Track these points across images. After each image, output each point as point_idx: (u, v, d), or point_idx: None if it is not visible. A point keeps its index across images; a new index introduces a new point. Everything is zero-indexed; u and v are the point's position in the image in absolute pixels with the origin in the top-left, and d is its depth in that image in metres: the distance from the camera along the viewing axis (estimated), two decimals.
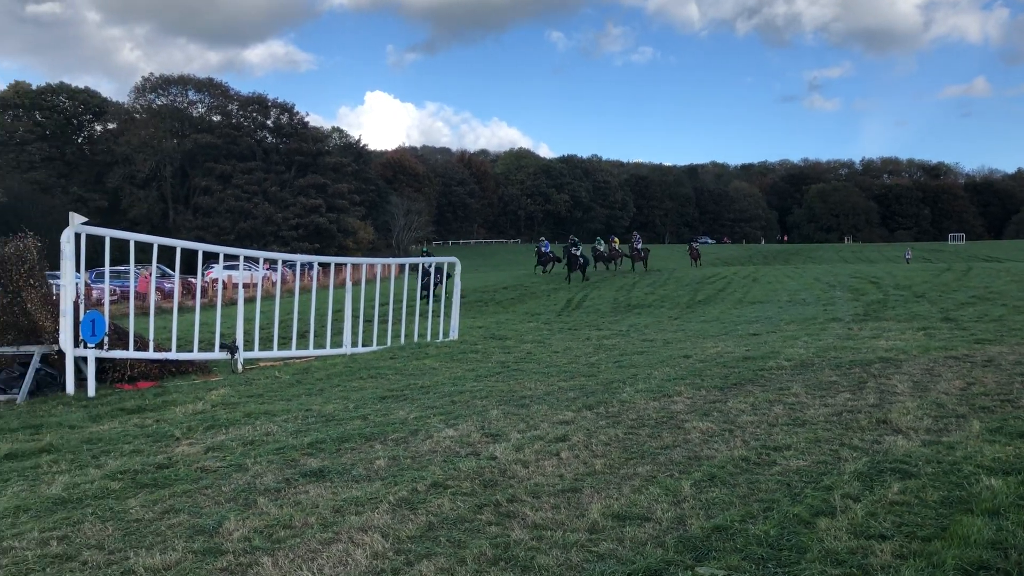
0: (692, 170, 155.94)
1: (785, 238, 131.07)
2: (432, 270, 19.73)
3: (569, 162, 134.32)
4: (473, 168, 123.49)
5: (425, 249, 26.01)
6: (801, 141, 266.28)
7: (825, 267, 36.79)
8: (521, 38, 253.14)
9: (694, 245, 47.34)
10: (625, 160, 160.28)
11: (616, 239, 42.60)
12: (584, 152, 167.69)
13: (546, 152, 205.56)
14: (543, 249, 39.70)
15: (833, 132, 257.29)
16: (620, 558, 3.90)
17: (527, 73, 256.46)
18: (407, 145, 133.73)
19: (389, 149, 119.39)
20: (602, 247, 41.96)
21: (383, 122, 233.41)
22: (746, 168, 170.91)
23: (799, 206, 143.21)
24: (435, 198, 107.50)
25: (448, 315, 14.82)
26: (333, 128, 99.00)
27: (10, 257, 10.06)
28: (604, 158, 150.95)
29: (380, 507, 4.74)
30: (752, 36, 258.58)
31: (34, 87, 79.20)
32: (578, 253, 33.86)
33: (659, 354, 11.53)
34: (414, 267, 19.30)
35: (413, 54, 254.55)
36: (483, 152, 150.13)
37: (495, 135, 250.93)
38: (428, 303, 16.07)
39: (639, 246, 39.90)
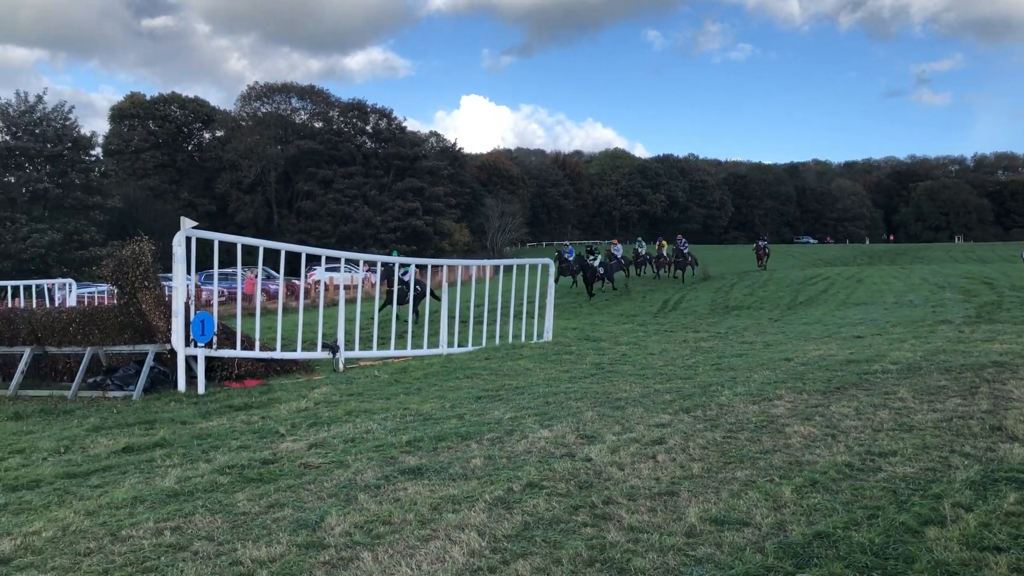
0: (793, 168, 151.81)
1: (891, 237, 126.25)
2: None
3: (665, 162, 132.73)
4: (567, 169, 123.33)
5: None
6: (908, 137, 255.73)
7: (934, 267, 35.32)
8: (617, 38, 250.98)
9: (761, 244, 42.56)
10: (723, 159, 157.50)
11: (664, 241, 37.54)
12: (681, 151, 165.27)
13: (641, 152, 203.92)
14: (566, 256, 31.85)
15: (942, 127, 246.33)
16: (718, 563, 3.84)
17: (623, 73, 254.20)
18: (502, 147, 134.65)
19: (484, 152, 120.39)
20: (643, 249, 37.75)
21: (478, 125, 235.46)
22: (849, 166, 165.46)
23: (906, 204, 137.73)
24: (529, 200, 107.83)
25: (542, 316, 14.86)
26: (430, 132, 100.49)
27: (127, 260, 10.56)
28: (701, 157, 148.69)
29: (476, 506, 4.79)
30: (856, 30, 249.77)
31: (148, 98, 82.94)
32: (596, 263, 29.22)
33: (759, 357, 11.29)
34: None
35: (509, 57, 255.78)
36: (577, 153, 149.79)
37: (589, 136, 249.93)
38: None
39: (685, 250, 34.60)
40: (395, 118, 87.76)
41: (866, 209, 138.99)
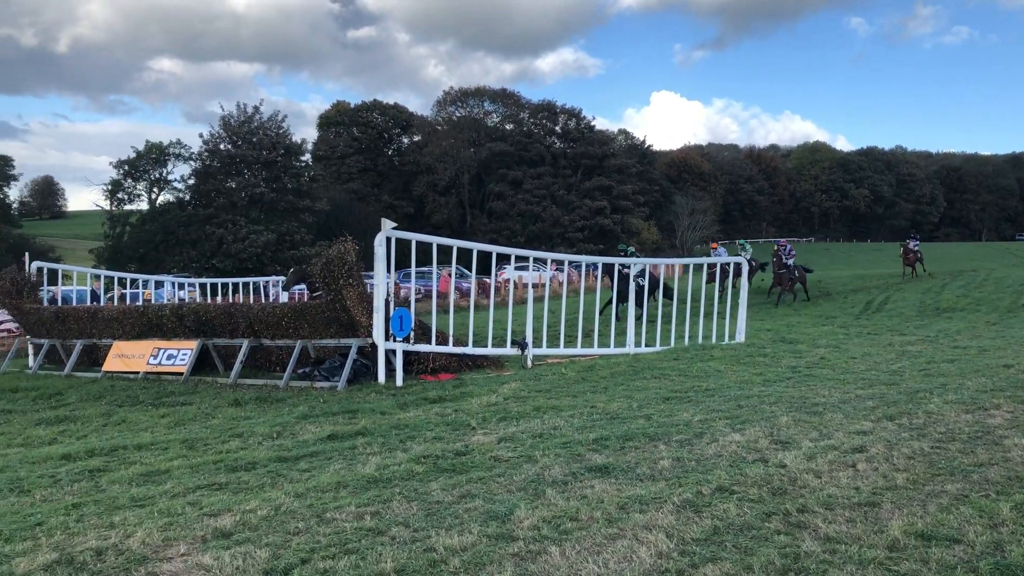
0: (1015, 159, 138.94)
1: None
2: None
3: (869, 154, 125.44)
4: (762, 164, 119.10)
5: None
6: None
7: None
8: (816, 27, 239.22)
9: (910, 245, 30.47)
10: (934, 151, 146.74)
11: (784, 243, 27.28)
12: (886, 143, 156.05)
13: (843, 145, 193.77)
14: (745, 257, 22.22)
15: None
16: None
17: (822, 63, 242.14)
18: (693, 143, 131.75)
19: (674, 148, 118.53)
20: (747, 253, 27.98)
21: (669, 121, 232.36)
22: None
23: None
24: (721, 196, 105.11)
25: (735, 317, 14.45)
26: (619, 130, 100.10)
27: (333, 259, 11.21)
28: (909, 149, 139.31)
29: (664, 507, 4.73)
30: None
31: (352, 106, 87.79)
32: (639, 276, 17.47)
33: (973, 363, 10.45)
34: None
35: (701, 51, 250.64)
36: (773, 147, 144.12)
37: (787, 129, 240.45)
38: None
39: (790, 261, 24.17)
40: (584, 117, 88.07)
41: None
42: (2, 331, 22.71)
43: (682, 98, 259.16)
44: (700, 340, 14.00)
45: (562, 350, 13.29)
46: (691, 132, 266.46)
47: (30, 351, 15.83)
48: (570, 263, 20.37)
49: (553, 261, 17.98)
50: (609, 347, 13.44)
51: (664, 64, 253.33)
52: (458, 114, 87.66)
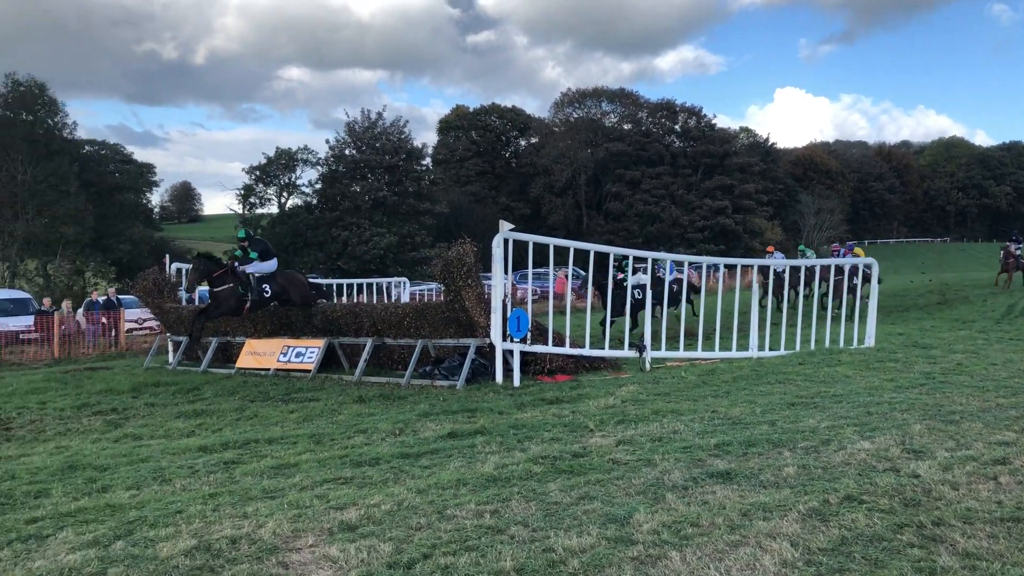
0: None
1: None
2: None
3: (1013, 149, 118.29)
4: (893, 161, 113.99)
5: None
6: None
7: None
8: (953, 17, 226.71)
9: (1012, 248, 25.08)
10: None
11: (857, 247, 23.42)
12: None
13: (982, 140, 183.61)
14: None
15: None
16: None
17: (960, 54, 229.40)
18: (819, 141, 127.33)
19: (799, 146, 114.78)
20: (808, 254, 24.49)
21: (793, 118, 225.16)
22: None
23: None
24: (849, 195, 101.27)
25: (864, 320, 13.88)
26: (741, 128, 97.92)
27: (452, 260, 11.40)
28: None
29: (789, 515, 4.60)
30: None
31: (471, 109, 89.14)
32: (631, 285, 16.02)
33: None
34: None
35: (828, 46, 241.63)
36: (905, 144, 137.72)
37: (920, 124, 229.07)
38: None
39: (855, 282, 15.17)
40: (704, 116, 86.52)
41: None
42: (145, 329, 24.12)
43: (808, 94, 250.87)
44: (827, 344, 13.52)
45: (682, 353, 13.09)
46: (817, 129, 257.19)
47: (170, 348, 16.74)
48: (690, 264, 20.03)
49: (675, 262, 17.72)
50: (731, 351, 13.15)
51: (788, 59, 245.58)
52: (575, 115, 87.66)
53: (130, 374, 14.95)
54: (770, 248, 26.91)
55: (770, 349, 13.20)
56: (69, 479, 6.70)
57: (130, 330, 24.05)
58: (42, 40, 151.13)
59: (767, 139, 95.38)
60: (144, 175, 68.06)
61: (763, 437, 6.64)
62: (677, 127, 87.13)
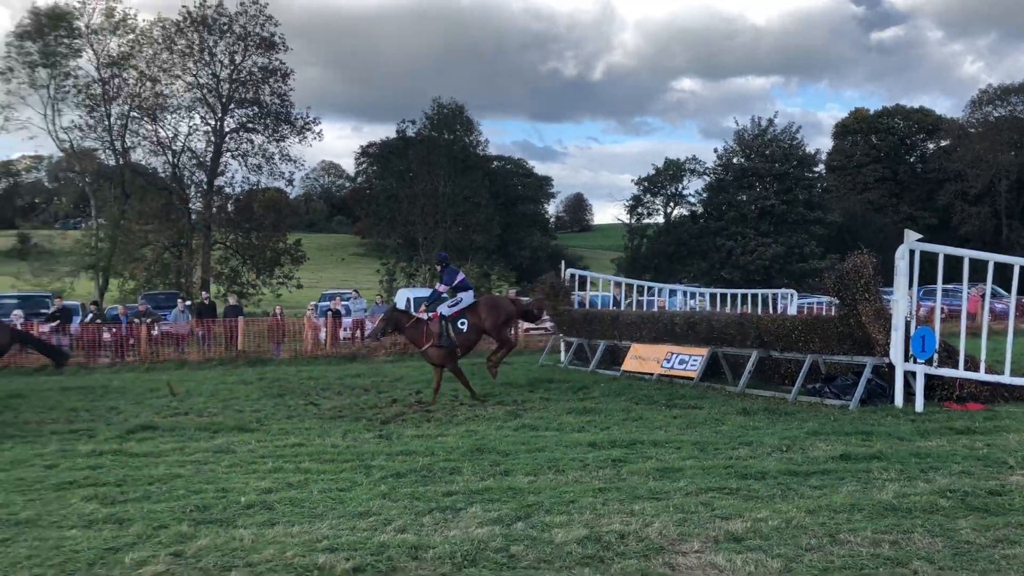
0: None
1: None
2: None
3: None
4: None
5: None
6: None
7: None
8: None
9: None
10: None
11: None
12: None
13: None
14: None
15: None
16: None
17: None
18: None
19: None
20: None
21: None
22: None
23: None
24: None
25: None
26: None
27: (848, 272, 10.77)
28: None
29: None
30: None
31: (871, 112, 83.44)
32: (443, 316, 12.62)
33: None
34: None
35: None
36: None
37: None
38: None
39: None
40: None
41: None
42: (540, 329, 25.95)
43: None
44: None
45: None
46: None
47: (562, 347, 17.86)
48: None
49: None
50: None
51: None
52: (996, 114, 78.04)
53: (527, 370, 16.18)
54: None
55: None
56: (477, 460, 7.44)
57: (527, 330, 26.01)
58: (463, 65, 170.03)
59: None
60: (543, 187, 73.49)
61: None
62: None
